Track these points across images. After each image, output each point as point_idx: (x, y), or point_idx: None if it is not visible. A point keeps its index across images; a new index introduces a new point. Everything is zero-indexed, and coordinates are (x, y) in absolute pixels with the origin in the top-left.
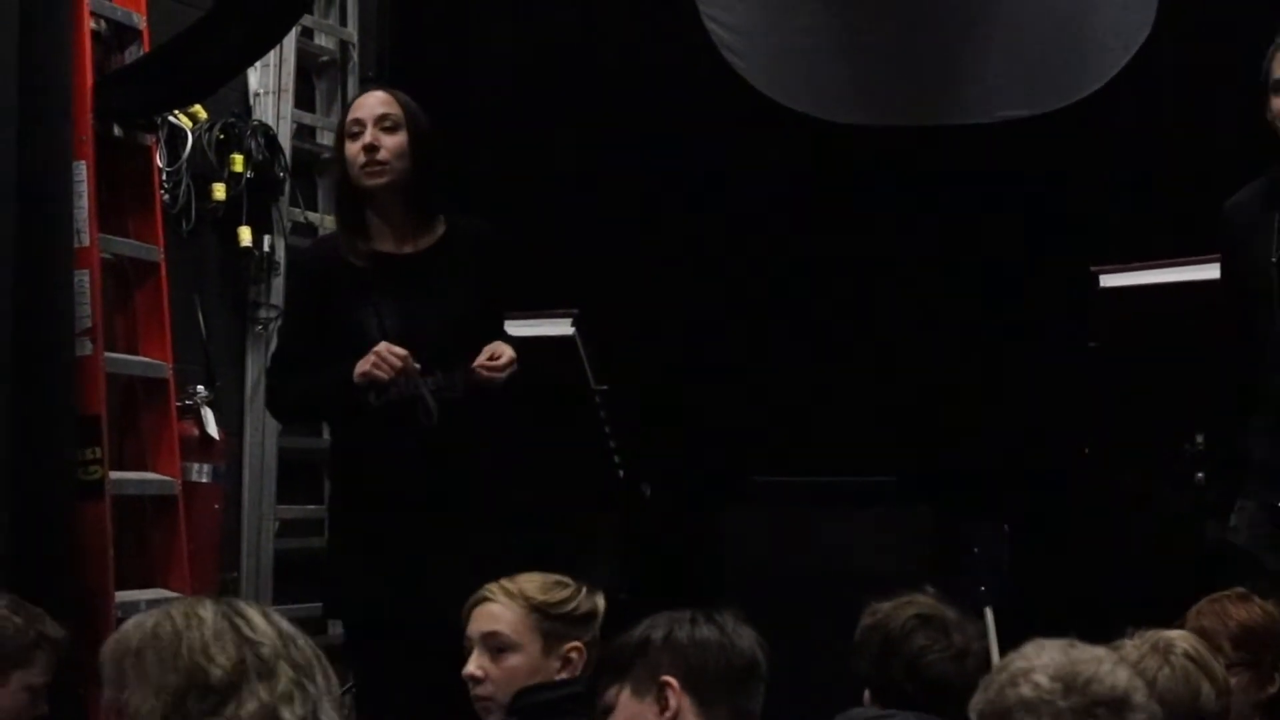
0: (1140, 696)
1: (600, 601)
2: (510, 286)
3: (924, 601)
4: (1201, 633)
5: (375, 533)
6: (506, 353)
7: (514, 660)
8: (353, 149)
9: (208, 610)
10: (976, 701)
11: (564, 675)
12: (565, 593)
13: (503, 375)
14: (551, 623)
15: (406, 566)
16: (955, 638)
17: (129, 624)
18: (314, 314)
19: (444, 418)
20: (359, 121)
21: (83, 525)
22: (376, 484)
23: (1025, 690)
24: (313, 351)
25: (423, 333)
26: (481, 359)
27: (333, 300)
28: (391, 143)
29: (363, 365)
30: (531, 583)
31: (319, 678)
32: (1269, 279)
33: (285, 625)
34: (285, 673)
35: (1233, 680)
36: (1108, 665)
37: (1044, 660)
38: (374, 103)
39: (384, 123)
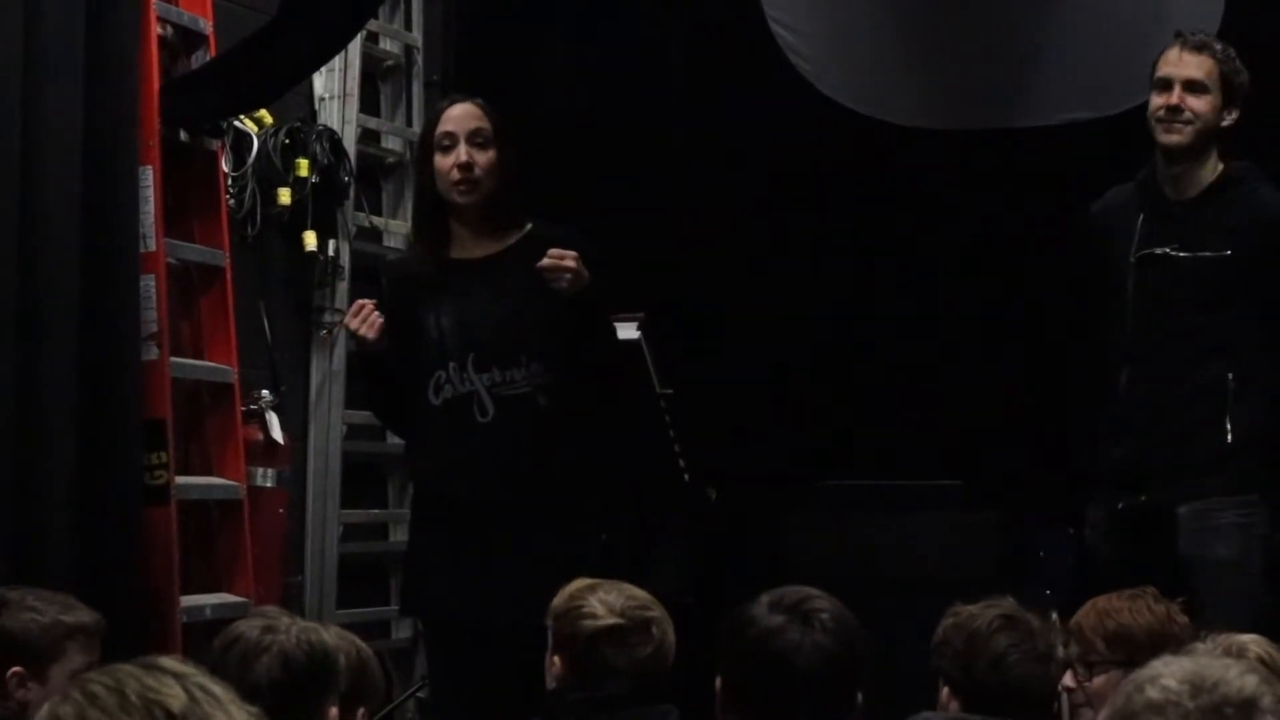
0: (1269, 701)
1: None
2: (599, 289)
3: (1007, 605)
4: (1078, 630)
5: (445, 530)
6: (569, 254)
7: None
8: (444, 163)
9: (126, 666)
10: (1103, 714)
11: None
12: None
13: (566, 275)
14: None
15: (475, 564)
16: (1038, 642)
17: (48, 707)
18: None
19: (502, 414)
20: (451, 135)
21: (148, 530)
22: (441, 482)
23: (1153, 693)
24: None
25: (478, 330)
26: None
27: (404, 308)
28: (484, 159)
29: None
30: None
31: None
32: (1125, 278)
33: (194, 666)
34: (224, 696)
35: (1100, 679)
36: (1236, 670)
37: (1173, 667)
38: (466, 116)
39: (476, 138)
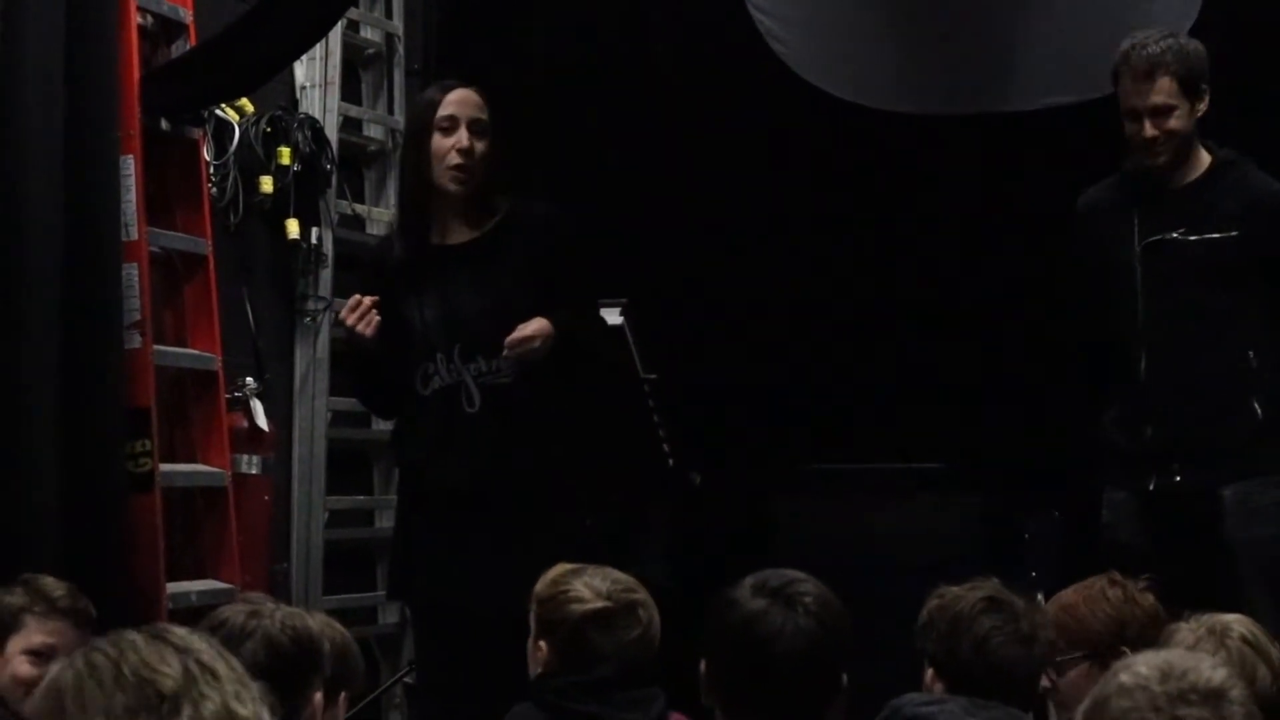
0: (1237, 693)
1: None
2: (579, 269)
3: (991, 587)
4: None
5: (432, 517)
6: (530, 327)
7: None
8: (444, 144)
9: (135, 634)
10: (1085, 702)
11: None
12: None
13: (534, 346)
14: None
15: (463, 550)
16: (1023, 623)
17: (55, 670)
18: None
19: (489, 404)
20: (454, 119)
21: (133, 517)
22: (428, 469)
23: (1125, 678)
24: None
25: (463, 320)
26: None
27: (389, 297)
28: (481, 148)
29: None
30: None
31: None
32: (1131, 266)
33: (207, 639)
34: (227, 674)
35: (1070, 675)
36: (1208, 663)
37: (1149, 656)
38: (469, 103)
39: (475, 127)
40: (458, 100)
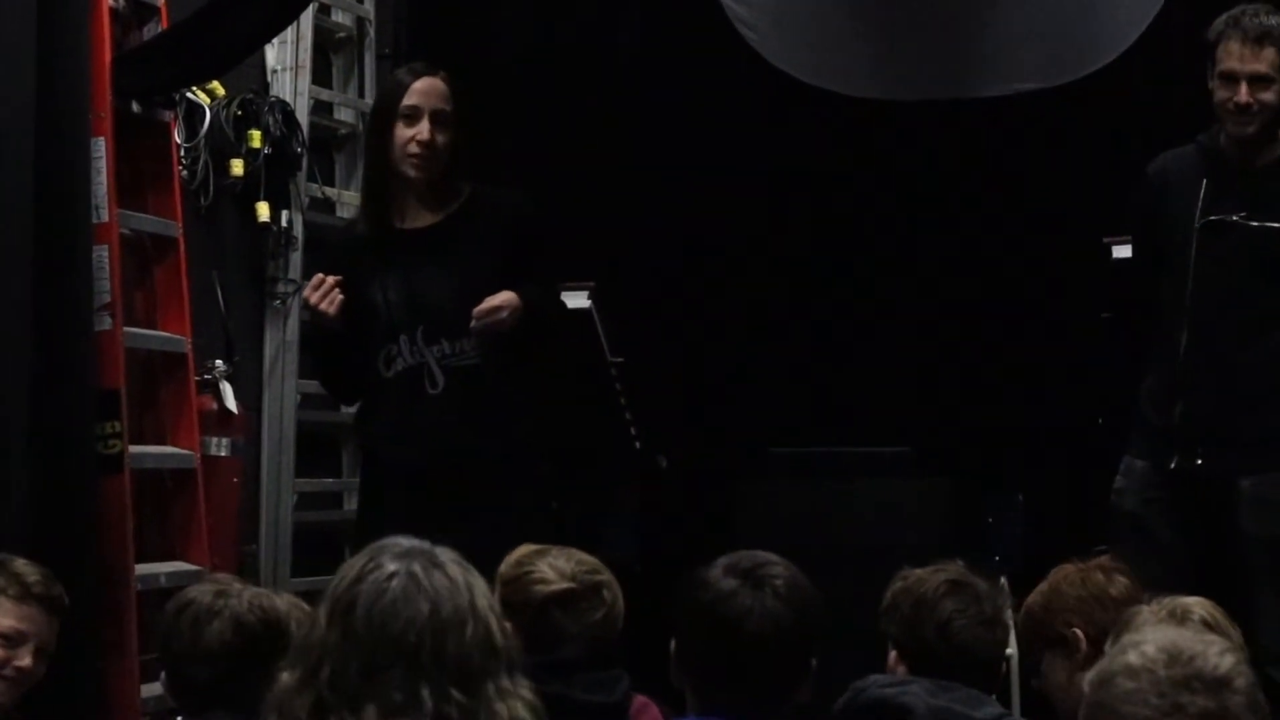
0: (1243, 682)
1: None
2: (542, 254)
3: (955, 569)
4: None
5: (395, 500)
6: (497, 299)
7: None
8: (405, 134)
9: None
10: (1091, 672)
11: None
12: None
13: (501, 318)
14: None
15: (426, 533)
16: (986, 606)
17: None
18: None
19: (453, 385)
20: (417, 110)
21: (103, 499)
22: (391, 452)
23: (1131, 658)
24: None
25: (427, 302)
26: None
27: (353, 279)
28: (443, 140)
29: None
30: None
31: None
32: (1188, 241)
33: None
34: None
35: (1051, 670)
36: (1217, 648)
37: (1158, 635)
38: (433, 94)
39: (439, 117)
40: (422, 90)
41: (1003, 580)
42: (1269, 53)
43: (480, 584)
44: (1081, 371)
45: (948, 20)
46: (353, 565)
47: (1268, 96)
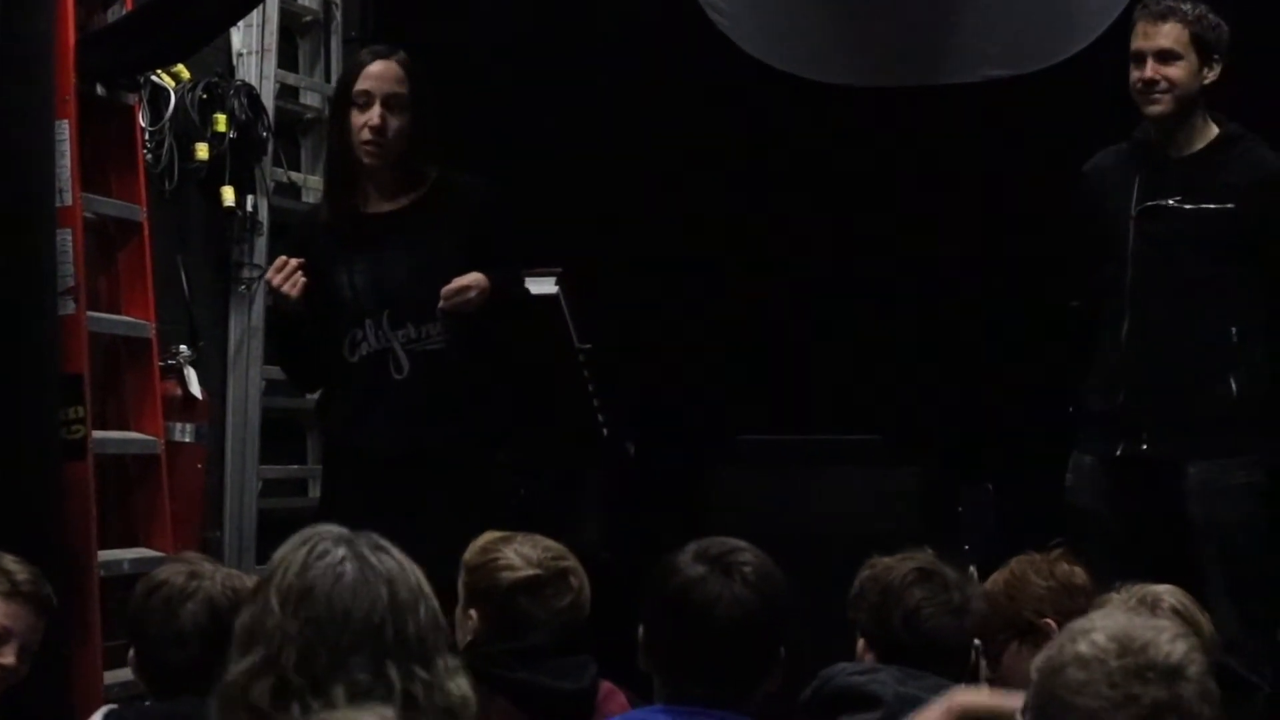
0: (1195, 670)
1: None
2: (507, 238)
3: (923, 558)
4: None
5: (358, 486)
6: (466, 279)
7: None
8: (357, 120)
9: None
10: (1039, 658)
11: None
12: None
13: (469, 298)
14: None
15: (390, 520)
16: (954, 594)
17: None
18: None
19: (418, 370)
20: (368, 95)
21: (65, 484)
22: (355, 438)
23: (1082, 647)
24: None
25: (392, 286)
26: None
27: (317, 263)
28: (396, 125)
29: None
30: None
31: None
32: (1125, 235)
33: None
34: None
35: (1005, 655)
36: (1168, 635)
37: (1107, 622)
38: (386, 77)
39: (392, 102)
40: (375, 74)
41: (972, 569)
42: (1172, 28)
43: (415, 566)
44: (1053, 361)
45: (917, 7)
46: (293, 553)
47: (1174, 72)
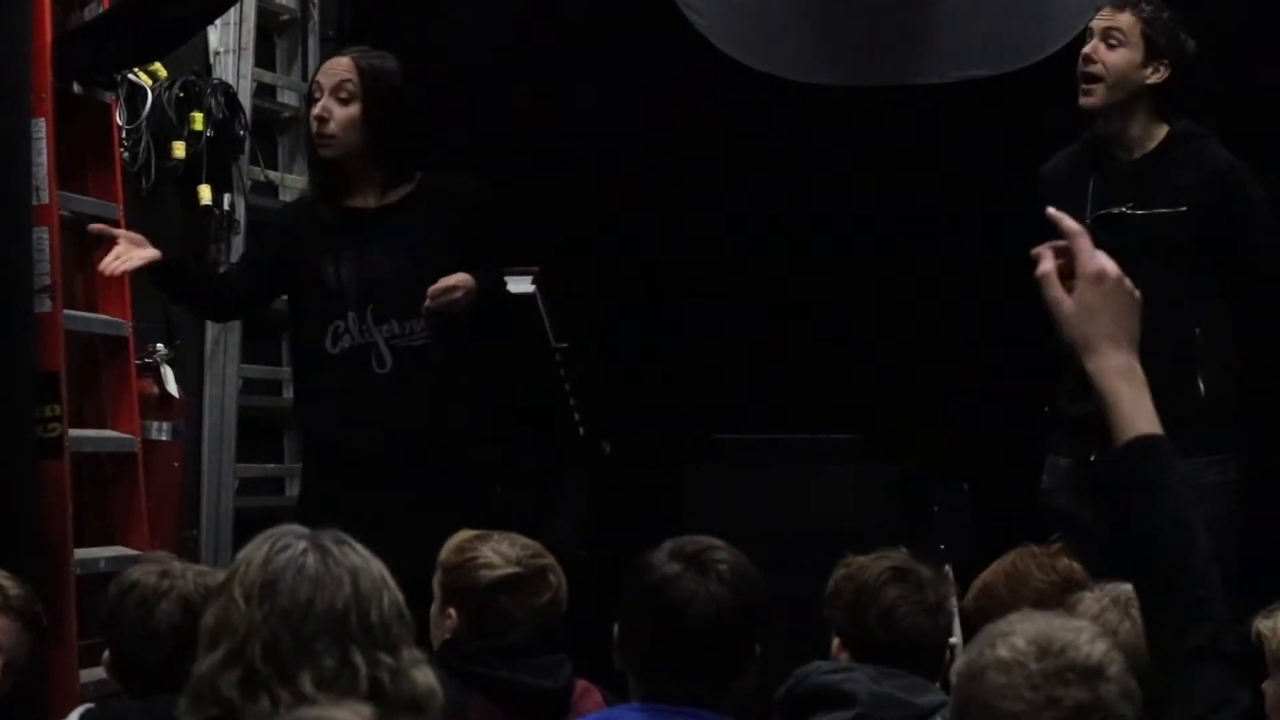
0: (1115, 670)
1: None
2: (492, 237)
3: (898, 556)
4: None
5: (337, 482)
6: (452, 279)
7: None
8: (312, 114)
9: None
10: (958, 663)
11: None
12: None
13: (455, 297)
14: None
15: (368, 516)
16: (929, 594)
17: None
18: (266, 258)
19: (400, 366)
20: (319, 86)
21: (42, 483)
22: (335, 432)
23: (1001, 650)
24: (243, 281)
25: (377, 282)
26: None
27: (299, 253)
28: (342, 115)
29: None
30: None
31: None
32: None
33: None
34: None
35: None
36: (1087, 635)
37: (1025, 625)
38: (335, 70)
39: (339, 93)
40: (325, 69)
41: (947, 568)
42: (1127, 16)
43: (379, 560)
44: (1030, 360)
45: (895, 7)
46: (256, 550)
47: (1113, 57)
